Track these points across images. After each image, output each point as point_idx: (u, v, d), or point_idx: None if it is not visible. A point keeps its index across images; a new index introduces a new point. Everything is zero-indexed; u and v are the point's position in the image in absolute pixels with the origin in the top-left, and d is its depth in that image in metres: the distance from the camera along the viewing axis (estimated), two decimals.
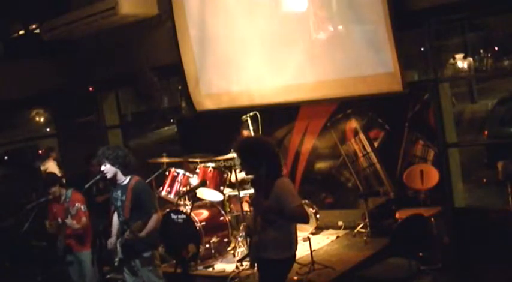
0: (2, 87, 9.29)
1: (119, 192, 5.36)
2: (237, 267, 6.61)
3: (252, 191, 7.06)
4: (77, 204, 6.06)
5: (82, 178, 7.17)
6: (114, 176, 5.35)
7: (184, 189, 7.26)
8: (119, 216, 5.41)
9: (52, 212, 6.36)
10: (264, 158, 4.46)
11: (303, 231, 6.90)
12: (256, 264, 4.65)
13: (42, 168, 10.16)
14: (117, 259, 5.36)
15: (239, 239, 7.15)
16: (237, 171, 7.03)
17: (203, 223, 7.06)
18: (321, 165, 8.02)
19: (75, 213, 6.02)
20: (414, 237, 5.11)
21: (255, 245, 4.51)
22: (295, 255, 4.62)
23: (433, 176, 6.90)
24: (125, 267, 5.42)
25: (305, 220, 4.50)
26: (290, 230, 4.51)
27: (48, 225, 6.25)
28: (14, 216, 7.80)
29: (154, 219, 5.28)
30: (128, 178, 5.35)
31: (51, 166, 10.10)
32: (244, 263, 6.52)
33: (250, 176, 6.25)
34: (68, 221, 6.00)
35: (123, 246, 5.29)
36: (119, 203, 5.36)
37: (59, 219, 6.11)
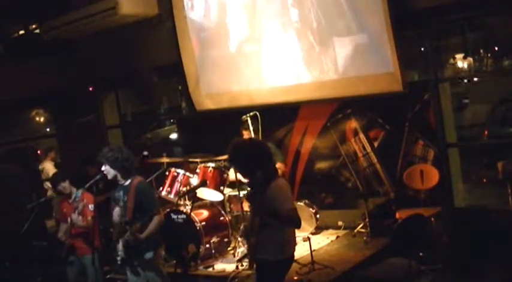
0: (2, 87, 9.28)
1: (121, 193, 5.36)
2: (237, 267, 6.62)
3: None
4: (84, 200, 6.06)
5: (82, 178, 7.16)
6: (115, 177, 5.35)
7: (184, 189, 7.26)
8: (121, 216, 5.42)
9: (62, 211, 6.36)
10: (258, 161, 4.45)
11: (303, 231, 6.90)
12: (254, 265, 4.65)
13: (40, 167, 10.17)
14: (119, 258, 5.37)
15: (239, 239, 7.15)
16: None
17: (203, 223, 7.06)
18: (321, 165, 8.02)
19: (81, 209, 6.02)
20: (414, 237, 5.11)
21: (252, 246, 4.51)
22: (293, 256, 4.61)
23: (433, 176, 6.90)
24: (127, 267, 5.43)
25: (296, 225, 4.45)
26: (286, 231, 4.50)
27: (49, 226, 6.25)
28: (14, 216, 7.80)
29: (155, 221, 5.27)
30: (130, 179, 5.35)
31: (48, 166, 10.11)
32: (244, 263, 6.52)
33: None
34: (74, 216, 6.00)
35: (125, 246, 5.29)
36: (121, 203, 5.37)
37: (69, 220, 6.10)
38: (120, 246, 5.34)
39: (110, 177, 5.33)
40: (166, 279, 5.52)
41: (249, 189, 6.99)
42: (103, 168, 5.33)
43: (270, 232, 4.39)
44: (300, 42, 7.42)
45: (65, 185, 6.25)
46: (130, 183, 5.32)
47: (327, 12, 7.08)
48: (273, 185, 4.39)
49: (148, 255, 5.31)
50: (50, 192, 9.66)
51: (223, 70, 8.22)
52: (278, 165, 6.77)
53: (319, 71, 7.34)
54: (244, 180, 6.04)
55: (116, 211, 5.50)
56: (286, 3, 7.40)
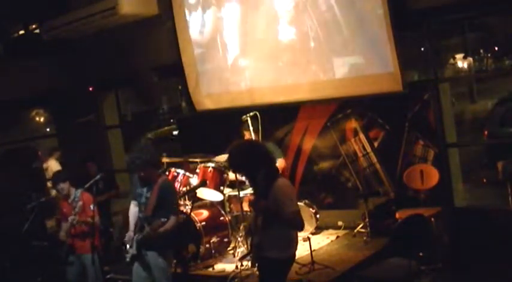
0: (2, 87, 9.28)
1: (144, 189, 5.42)
2: (237, 267, 6.62)
3: (252, 191, 7.07)
4: (80, 202, 6.06)
5: (82, 177, 7.17)
6: (149, 176, 5.41)
7: (184, 189, 7.26)
8: (140, 212, 5.45)
9: (63, 211, 6.38)
10: (258, 163, 4.46)
11: (303, 231, 6.89)
12: (256, 264, 4.68)
13: (44, 165, 10.18)
14: (129, 255, 5.38)
15: (239, 239, 7.15)
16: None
17: (203, 223, 7.07)
18: (321, 165, 8.02)
19: (79, 209, 6.02)
20: (414, 237, 5.11)
21: (255, 244, 4.53)
22: (295, 255, 4.63)
23: (433, 176, 6.90)
24: (136, 263, 5.44)
25: (299, 227, 4.51)
26: (289, 231, 4.52)
27: (50, 226, 6.26)
28: (14, 216, 7.80)
29: (172, 221, 5.36)
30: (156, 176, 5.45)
31: (53, 164, 10.12)
32: (245, 263, 6.52)
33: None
34: (72, 216, 6.01)
35: (140, 242, 5.33)
36: (143, 200, 5.43)
37: (69, 218, 6.11)
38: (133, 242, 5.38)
39: (149, 179, 5.41)
40: (170, 279, 5.55)
41: (250, 189, 7.05)
42: (141, 174, 5.41)
43: (272, 231, 4.41)
44: (300, 42, 7.42)
45: (64, 185, 6.26)
46: (155, 180, 5.38)
47: (327, 12, 7.08)
48: (275, 186, 4.40)
49: (162, 252, 5.37)
50: (54, 192, 9.69)
51: (223, 70, 8.23)
52: (278, 161, 6.79)
53: (319, 71, 7.34)
54: (245, 179, 6.10)
55: (132, 209, 5.56)
56: (287, 4, 7.41)
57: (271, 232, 4.41)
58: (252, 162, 4.47)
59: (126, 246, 5.45)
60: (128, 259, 5.44)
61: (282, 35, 7.54)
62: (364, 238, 7.13)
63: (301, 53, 7.44)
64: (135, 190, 5.56)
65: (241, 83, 8.10)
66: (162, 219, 5.26)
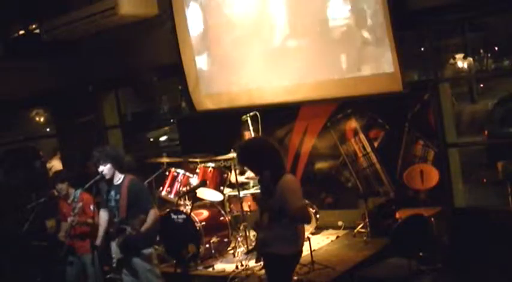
0: (2, 87, 9.29)
1: (112, 193, 5.39)
2: (237, 267, 6.62)
3: (252, 191, 7.09)
4: (80, 204, 6.05)
5: (82, 177, 7.17)
6: (113, 174, 5.39)
7: (184, 189, 7.26)
8: (114, 216, 5.42)
9: (62, 211, 6.38)
10: (266, 159, 4.50)
11: (308, 226, 6.89)
12: (262, 259, 4.69)
13: (48, 165, 10.18)
14: (115, 260, 5.37)
15: (239, 239, 7.16)
16: (237, 171, 7.05)
17: (203, 223, 7.07)
18: (321, 165, 8.02)
19: (79, 210, 6.02)
20: (414, 237, 5.11)
21: (260, 240, 4.56)
22: (301, 251, 4.66)
23: (433, 176, 6.91)
24: (123, 268, 5.42)
25: (306, 221, 4.64)
26: (295, 227, 4.55)
27: (50, 226, 6.25)
28: (14, 216, 7.81)
29: (151, 216, 5.32)
30: (122, 177, 5.41)
31: (57, 164, 10.13)
32: (245, 262, 6.53)
33: (252, 175, 6.32)
34: (71, 217, 6.00)
35: (121, 246, 5.30)
36: (113, 203, 5.38)
37: (68, 219, 6.11)
38: (114, 248, 5.35)
39: (108, 176, 5.37)
40: (160, 279, 5.53)
41: (250, 189, 7.07)
42: (100, 169, 5.36)
43: (278, 228, 4.44)
44: (300, 42, 7.41)
45: (63, 186, 6.26)
46: (122, 182, 5.36)
47: (327, 12, 7.08)
48: (281, 182, 4.44)
49: (145, 252, 5.34)
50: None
51: (223, 70, 8.22)
52: None
53: (319, 71, 7.34)
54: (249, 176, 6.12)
55: (102, 216, 5.54)
56: (287, 4, 7.41)
57: (277, 228, 4.44)
58: (261, 159, 4.52)
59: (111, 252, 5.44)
60: (114, 265, 5.43)
61: (287, 37, 7.53)
62: (364, 238, 7.13)
63: (302, 52, 7.43)
64: (103, 197, 5.53)
65: (241, 83, 8.08)
66: (142, 216, 5.24)
